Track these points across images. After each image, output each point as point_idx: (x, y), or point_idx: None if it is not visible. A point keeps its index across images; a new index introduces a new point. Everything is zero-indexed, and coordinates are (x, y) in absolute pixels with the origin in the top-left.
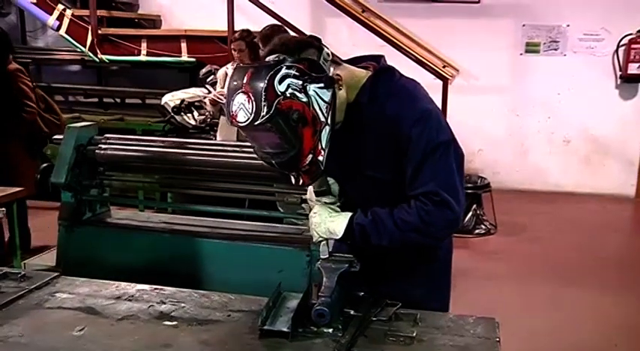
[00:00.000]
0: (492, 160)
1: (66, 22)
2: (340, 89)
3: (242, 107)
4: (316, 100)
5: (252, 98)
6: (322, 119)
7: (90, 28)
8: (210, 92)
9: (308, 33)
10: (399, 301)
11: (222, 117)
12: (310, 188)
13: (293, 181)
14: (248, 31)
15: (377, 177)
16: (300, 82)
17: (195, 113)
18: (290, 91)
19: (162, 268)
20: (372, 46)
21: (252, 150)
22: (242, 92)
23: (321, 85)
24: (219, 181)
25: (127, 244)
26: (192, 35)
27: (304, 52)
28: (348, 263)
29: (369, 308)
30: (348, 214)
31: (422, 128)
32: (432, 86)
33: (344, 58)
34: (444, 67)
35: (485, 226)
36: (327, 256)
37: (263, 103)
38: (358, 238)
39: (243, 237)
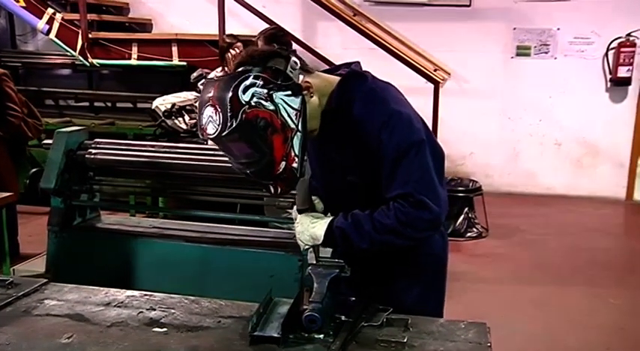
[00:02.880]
0: (484, 163)
1: (56, 26)
2: (312, 97)
3: (210, 120)
4: (284, 108)
5: (219, 110)
6: (292, 126)
7: (80, 32)
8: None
9: (299, 36)
10: (394, 303)
11: None
12: (295, 207)
13: (272, 190)
14: (235, 36)
15: (358, 182)
16: (265, 91)
17: (187, 117)
18: (255, 100)
19: (152, 273)
20: (363, 49)
21: None
22: (210, 105)
23: (289, 92)
24: (211, 186)
25: (117, 249)
26: (183, 39)
27: (271, 62)
28: (338, 268)
29: (360, 314)
30: (329, 219)
31: (391, 130)
32: (423, 90)
33: (335, 61)
34: (435, 70)
35: (477, 229)
36: (315, 262)
37: (229, 114)
38: (340, 242)
39: (234, 242)
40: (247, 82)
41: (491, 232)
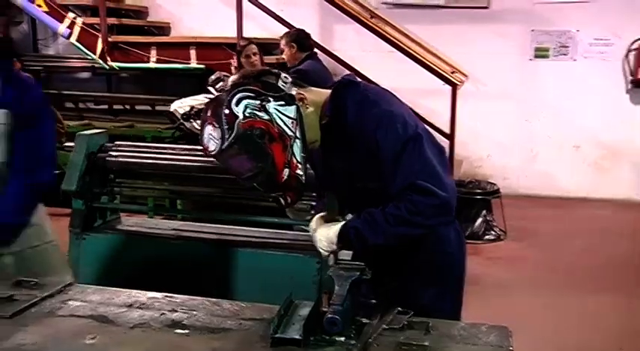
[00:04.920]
0: (501, 165)
1: (77, 30)
2: (307, 108)
3: (211, 137)
4: (279, 117)
5: (217, 126)
6: (290, 134)
7: (100, 35)
8: None
9: (316, 39)
10: (410, 302)
11: None
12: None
13: (282, 201)
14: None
15: (368, 187)
16: (258, 102)
17: None
18: (249, 111)
19: (173, 275)
20: (381, 52)
21: None
22: (208, 123)
23: (282, 102)
24: (228, 188)
25: (138, 251)
26: (201, 42)
27: (262, 78)
28: (359, 271)
29: (381, 316)
30: (342, 222)
31: (385, 130)
32: (440, 92)
33: (353, 64)
34: (452, 72)
35: (495, 232)
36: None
37: (225, 128)
38: (355, 241)
39: (252, 244)
40: (239, 96)
41: (510, 235)
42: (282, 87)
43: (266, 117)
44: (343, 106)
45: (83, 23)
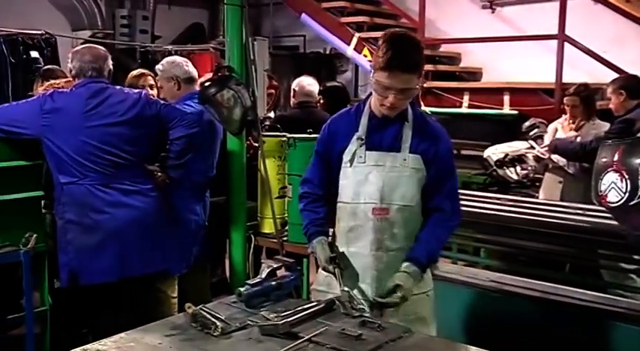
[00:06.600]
0: None
1: None
2: None
3: (614, 186)
4: None
5: (626, 177)
6: None
7: None
8: (533, 147)
9: None
10: None
11: (546, 174)
12: None
13: None
14: (585, 85)
15: None
16: None
17: (518, 168)
18: None
19: (487, 327)
20: None
21: (576, 211)
22: (613, 170)
23: None
24: (538, 241)
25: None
26: (515, 87)
27: None
28: None
29: None
30: None
31: None
32: None
33: None
34: None
35: None
36: None
37: None
38: None
39: (574, 306)
40: None
41: None
42: None
43: None
44: None
45: None
